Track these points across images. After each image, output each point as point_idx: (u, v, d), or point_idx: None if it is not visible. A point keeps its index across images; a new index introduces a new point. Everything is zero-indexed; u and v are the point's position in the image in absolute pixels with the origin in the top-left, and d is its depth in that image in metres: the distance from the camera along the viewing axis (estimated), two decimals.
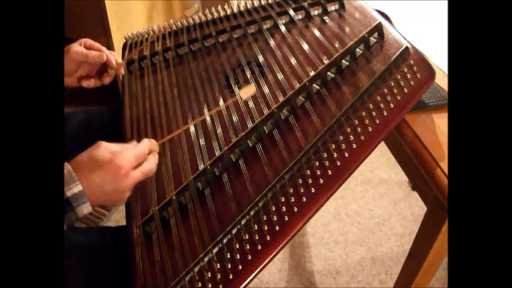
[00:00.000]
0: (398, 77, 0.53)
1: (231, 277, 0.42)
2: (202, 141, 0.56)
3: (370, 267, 1.18)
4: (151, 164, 0.49)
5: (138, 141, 0.60)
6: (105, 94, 0.69)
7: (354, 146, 0.48)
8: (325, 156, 0.48)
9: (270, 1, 0.78)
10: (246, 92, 0.55)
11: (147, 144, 0.50)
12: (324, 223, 1.32)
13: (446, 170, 0.49)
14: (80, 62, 0.64)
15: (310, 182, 0.46)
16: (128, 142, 0.50)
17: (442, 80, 0.62)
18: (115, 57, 0.66)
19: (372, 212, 1.35)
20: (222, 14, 0.80)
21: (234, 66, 0.66)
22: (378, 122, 0.49)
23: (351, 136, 0.49)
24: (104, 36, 1.42)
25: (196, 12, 0.69)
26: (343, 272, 1.17)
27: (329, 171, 0.47)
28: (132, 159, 0.47)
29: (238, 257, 0.43)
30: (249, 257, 0.43)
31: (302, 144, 0.50)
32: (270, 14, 0.72)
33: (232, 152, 0.52)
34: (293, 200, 0.45)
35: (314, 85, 0.56)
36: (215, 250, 0.44)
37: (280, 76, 0.60)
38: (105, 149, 0.46)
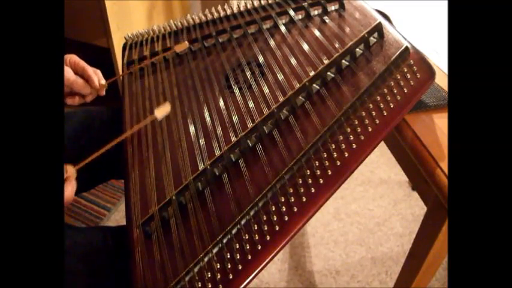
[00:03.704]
0: (398, 77, 0.53)
1: (231, 277, 0.42)
2: (202, 141, 0.56)
3: (370, 267, 1.18)
4: (66, 193, 0.47)
5: (138, 140, 0.61)
6: (105, 94, 0.69)
7: (354, 146, 0.48)
8: (325, 156, 0.48)
9: (270, 1, 0.78)
10: (161, 111, 0.54)
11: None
12: (324, 223, 1.32)
13: (446, 170, 0.49)
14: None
15: (310, 182, 0.46)
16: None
17: (442, 80, 0.62)
18: (98, 77, 0.67)
19: (372, 212, 1.36)
20: (222, 14, 0.80)
21: (234, 66, 0.66)
22: (377, 122, 0.49)
23: (351, 136, 0.49)
24: (104, 36, 1.42)
25: (186, 48, 0.71)
26: (343, 272, 1.17)
27: (329, 171, 0.47)
28: None
29: (238, 257, 0.43)
30: (249, 257, 0.43)
31: (302, 144, 0.50)
32: (270, 14, 0.72)
33: (232, 152, 0.52)
34: (293, 200, 0.45)
35: (314, 85, 0.56)
36: (215, 250, 0.44)
37: (280, 76, 0.60)
38: None
